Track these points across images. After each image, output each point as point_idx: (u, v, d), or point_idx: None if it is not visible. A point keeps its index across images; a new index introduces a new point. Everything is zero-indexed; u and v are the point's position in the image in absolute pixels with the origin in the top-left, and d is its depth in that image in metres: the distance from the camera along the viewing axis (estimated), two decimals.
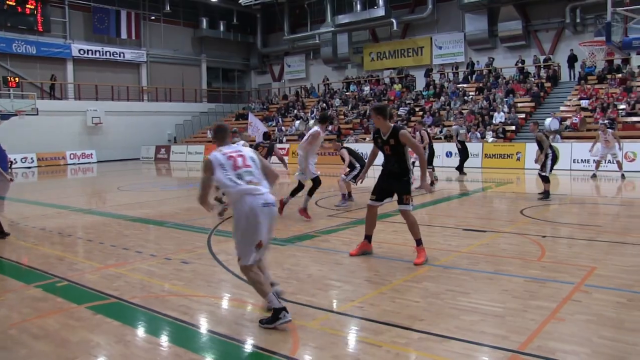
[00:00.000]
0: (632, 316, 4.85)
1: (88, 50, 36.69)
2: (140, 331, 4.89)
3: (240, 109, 42.17)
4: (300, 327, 4.75)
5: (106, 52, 37.58)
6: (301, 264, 6.95)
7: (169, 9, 40.14)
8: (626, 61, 27.35)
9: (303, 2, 40.91)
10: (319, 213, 11.20)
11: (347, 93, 37.01)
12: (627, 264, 6.61)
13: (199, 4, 42.21)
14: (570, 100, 26.62)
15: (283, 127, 34.11)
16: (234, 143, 6.04)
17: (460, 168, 20.04)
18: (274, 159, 12.29)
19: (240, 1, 35.95)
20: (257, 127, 30.51)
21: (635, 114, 22.95)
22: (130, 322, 5.10)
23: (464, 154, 20.25)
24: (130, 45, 39.13)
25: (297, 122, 33.89)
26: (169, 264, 7.13)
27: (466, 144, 20.74)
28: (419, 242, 6.96)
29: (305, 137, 10.43)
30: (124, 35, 38.38)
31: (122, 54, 38.38)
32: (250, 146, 12.15)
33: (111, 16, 37.58)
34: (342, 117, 32.72)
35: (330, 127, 30.45)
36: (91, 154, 34.53)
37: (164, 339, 4.69)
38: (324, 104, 35.82)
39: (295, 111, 36.61)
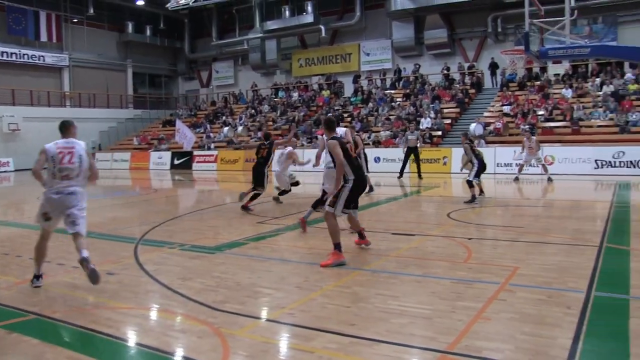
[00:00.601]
0: (552, 312, 5.03)
1: (3, 53, 34.82)
2: (62, 348, 4.65)
3: (167, 115, 41.40)
4: (230, 335, 4.66)
5: (24, 54, 35.82)
6: (230, 271, 6.83)
7: (92, 11, 38.76)
8: (544, 69, 28.66)
9: (231, 8, 40.61)
10: (247, 220, 11.09)
11: (275, 99, 36.98)
12: (547, 263, 6.86)
13: (124, 8, 41.10)
14: (493, 106, 27.58)
15: (211, 134, 33.69)
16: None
17: (401, 172, 20.83)
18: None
19: (167, 5, 35.33)
20: (184, 133, 30.05)
21: (553, 120, 24.02)
22: (51, 339, 4.84)
23: (406, 159, 21.08)
24: (51, 49, 37.47)
25: (226, 128, 33.54)
26: None
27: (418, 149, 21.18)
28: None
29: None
30: (43, 38, 36.75)
31: (42, 58, 36.75)
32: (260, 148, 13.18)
33: (29, 17, 35.80)
34: (271, 123, 32.63)
35: (259, 134, 30.35)
36: (8, 162, 32.88)
37: (88, 355, 4.48)
38: (254, 111, 35.65)
39: (224, 117, 36.27)
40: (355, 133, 15.56)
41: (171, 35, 44.67)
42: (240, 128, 33.17)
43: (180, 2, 32.99)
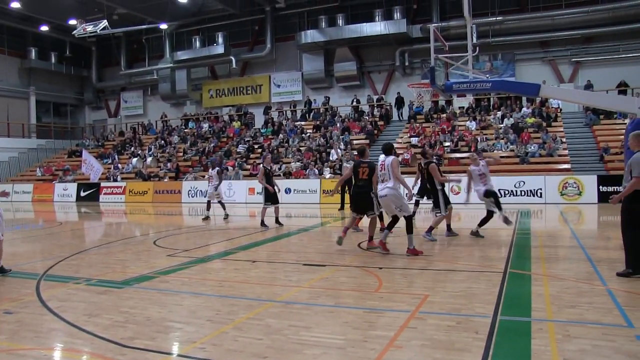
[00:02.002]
0: (461, 337, 5.20)
1: None
2: None
3: (73, 145, 39.96)
4: None
5: None
6: (139, 306, 6.63)
7: None
8: (449, 102, 30.08)
9: (141, 37, 40.02)
10: (157, 252, 10.82)
11: (185, 130, 36.56)
12: (456, 290, 7.11)
13: (27, 33, 39.56)
14: (401, 137, 28.49)
15: (119, 165, 32.75)
16: None
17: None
18: None
19: (73, 32, 34.20)
20: (91, 164, 29.11)
21: (459, 151, 25.11)
22: None
23: (343, 190, 20.22)
24: None
25: (134, 159, 32.73)
26: None
27: None
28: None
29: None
30: None
31: None
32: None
33: None
34: (181, 154, 32.16)
35: (169, 165, 29.83)
36: None
37: None
38: (163, 142, 35.03)
39: (132, 148, 35.38)
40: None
41: (78, 63, 43.34)
42: (149, 159, 32.46)
43: (87, 29, 32.08)
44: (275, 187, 14.82)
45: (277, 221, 14.82)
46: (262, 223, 14.72)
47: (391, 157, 10.11)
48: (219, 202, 17.89)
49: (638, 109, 10.14)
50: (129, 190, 28.76)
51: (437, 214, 11.64)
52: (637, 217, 7.41)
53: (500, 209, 11.76)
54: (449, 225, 12.32)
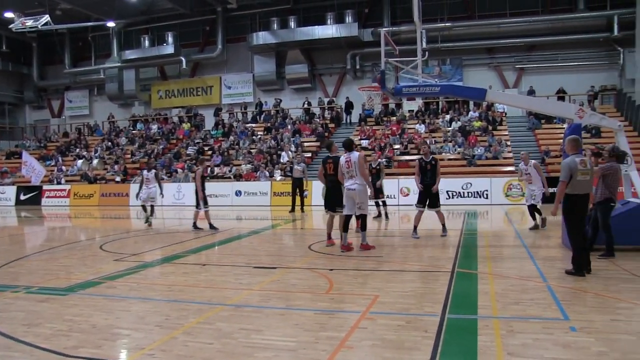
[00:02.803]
0: (410, 336, 5.28)
1: None
2: None
3: (12, 146, 38.57)
4: None
5: None
6: (84, 313, 6.43)
7: None
8: (399, 105, 30.47)
9: (87, 34, 39.01)
10: (103, 257, 10.55)
11: (134, 131, 35.88)
12: (405, 290, 7.19)
13: None
14: None
15: (63, 167, 31.84)
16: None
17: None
18: None
19: (11, 26, 32.82)
20: (32, 166, 28.15)
21: (408, 153, 25.43)
22: None
23: (294, 192, 20.40)
24: None
25: (80, 161, 31.87)
26: None
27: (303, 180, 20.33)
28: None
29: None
30: None
31: None
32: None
33: None
34: (129, 156, 31.52)
35: (116, 167, 29.23)
36: None
37: None
38: (110, 143, 34.28)
39: (78, 150, 34.46)
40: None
41: (17, 60, 41.69)
42: (95, 161, 31.68)
43: (27, 24, 30.83)
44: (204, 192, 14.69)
45: (211, 226, 14.68)
46: (195, 225, 14.70)
47: (356, 154, 10.39)
48: (151, 205, 16.73)
49: (575, 115, 10.48)
50: (74, 193, 27.98)
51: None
52: (574, 219, 7.75)
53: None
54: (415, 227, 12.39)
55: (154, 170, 16.94)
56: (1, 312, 6.61)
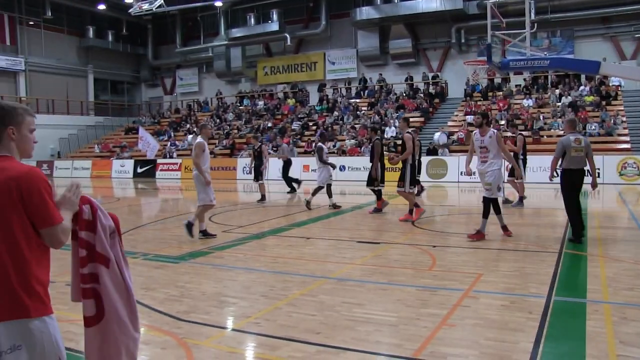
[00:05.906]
0: (514, 317, 5.12)
1: None
2: None
3: (130, 122, 40.81)
4: (195, 346, 4.60)
5: None
6: (195, 281, 6.76)
7: (50, 14, 37.64)
8: (506, 80, 29.26)
9: (196, 15, 40.32)
10: (212, 228, 10.99)
11: (240, 107, 36.86)
12: (509, 269, 6.98)
13: (84, 12, 40.25)
14: (457, 115, 27.96)
15: (176, 142, 33.34)
16: None
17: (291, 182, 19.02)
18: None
19: (129, 11, 34.75)
20: (147, 141, 29.72)
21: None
22: None
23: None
24: (5, 52, 36.33)
25: (190, 136, 33.21)
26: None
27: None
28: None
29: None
30: None
31: None
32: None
33: None
34: (236, 131, 32.49)
35: (225, 142, 30.21)
36: None
37: None
38: (218, 119, 35.45)
39: (188, 125, 35.95)
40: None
41: (134, 41, 44.05)
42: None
43: (143, 7, 32.53)
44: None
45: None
46: (263, 197, 15.73)
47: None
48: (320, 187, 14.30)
49: None
50: (185, 167, 29.28)
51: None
52: (569, 190, 9.09)
53: None
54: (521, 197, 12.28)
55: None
56: None
